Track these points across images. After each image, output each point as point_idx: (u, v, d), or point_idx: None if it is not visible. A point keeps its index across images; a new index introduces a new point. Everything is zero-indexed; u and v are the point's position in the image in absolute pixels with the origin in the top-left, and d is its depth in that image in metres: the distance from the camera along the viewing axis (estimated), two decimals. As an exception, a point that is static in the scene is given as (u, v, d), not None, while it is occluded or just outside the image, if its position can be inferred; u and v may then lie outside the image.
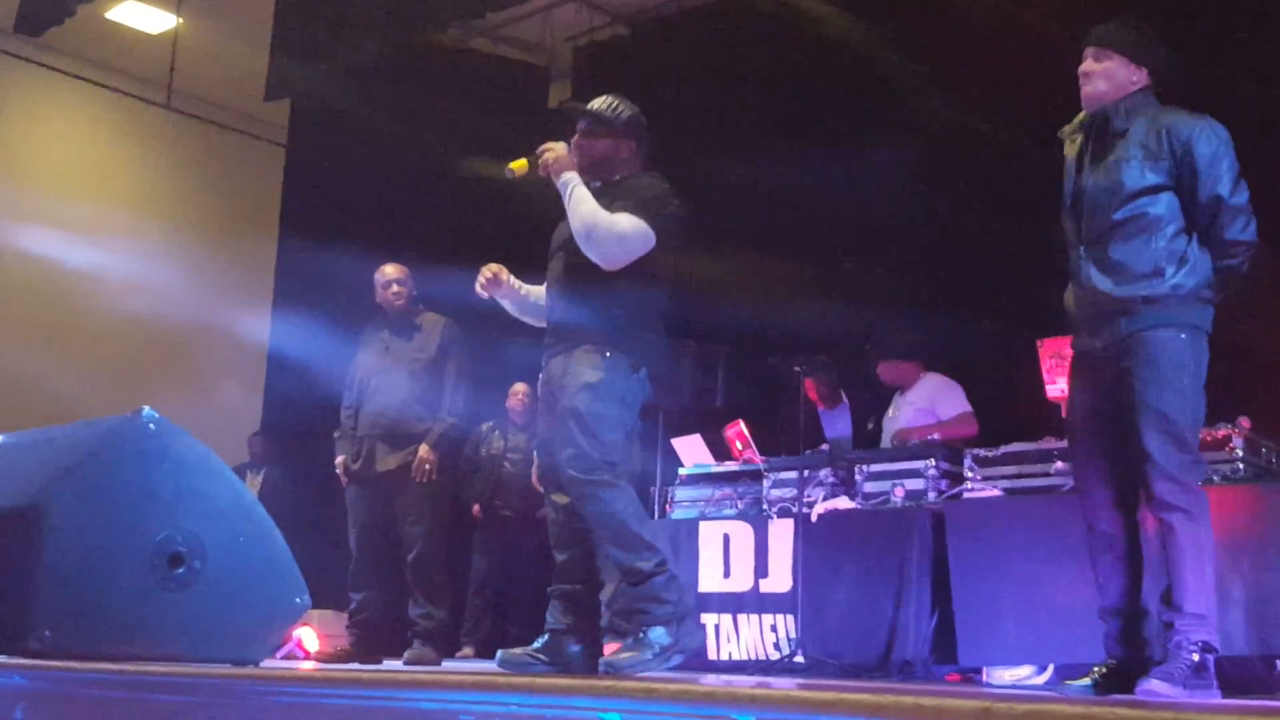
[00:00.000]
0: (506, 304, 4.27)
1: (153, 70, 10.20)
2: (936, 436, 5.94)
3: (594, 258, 3.91)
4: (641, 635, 3.72)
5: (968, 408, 6.17)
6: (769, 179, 7.59)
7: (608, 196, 3.99)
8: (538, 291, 4.23)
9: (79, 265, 9.48)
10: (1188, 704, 2.93)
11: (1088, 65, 3.72)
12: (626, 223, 3.89)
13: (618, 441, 3.89)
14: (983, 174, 6.87)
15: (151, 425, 3.85)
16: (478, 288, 4.19)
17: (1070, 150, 3.80)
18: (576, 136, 4.13)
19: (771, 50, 8.18)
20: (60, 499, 3.65)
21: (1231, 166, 3.56)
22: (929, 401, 6.24)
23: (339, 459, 6.01)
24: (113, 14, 9.88)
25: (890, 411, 6.44)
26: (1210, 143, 3.55)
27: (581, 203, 3.94)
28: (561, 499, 3.96)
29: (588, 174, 4.07)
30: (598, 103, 4.16)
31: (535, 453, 4.13)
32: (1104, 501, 3.66)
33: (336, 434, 6.09)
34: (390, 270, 6.10)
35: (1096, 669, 3.57)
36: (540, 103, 9.71)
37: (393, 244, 7.96)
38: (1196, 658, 3.38)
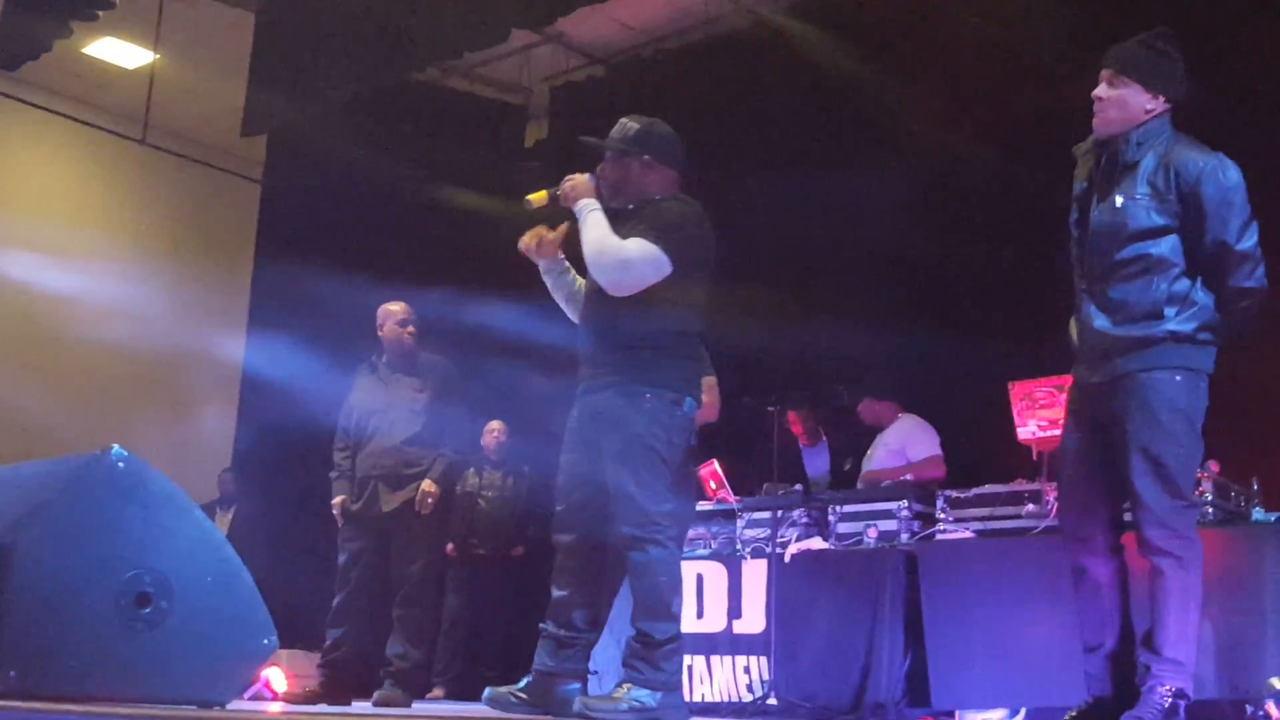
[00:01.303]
0: (548, 278, 4.15)
1: (129, 105, 10.17)
2: (909, 477, 5.96)
3: (601, 283, 3.85)
4: (626, 689, 3.70)
5: (937, 451, 6.21)
6: (743, 216, 7.61)
7: (632, 221, 3.89)
8: (580, 283, 4.11)
9: (53, 297, 9.43)
10: None
11: (1101, 90, 3.57)
12: (635, 248, 3.79)
13: (670, 485, 3.80)
14: (959, 212, 6.92)
15: (120, 463, 3.81)
16: (523, 244, 4.07)
17: (1080, 172, 3.69)
18: (600, 166, 4.04)
19: (746, 89, 8.25)
20: (26, 538, 3.60)
21: (1241, 210, 3.45)
22: (900, 443, 6.27)
23: (337, 499, 5.94)
24: (90, 49, 9.86)
25: (869, 453, 6.47)
26: (1218, 185, 3.42)
27: (593, 228, 3.86)
28: (566, 538, 3.91)
29: (617, 199, 3.97)
30: (615, 129, 4.06)
31: (558, 485, 4.00)
32: (1089, 537, 3.60)
33: (333, 474, 6.01)
34: (401, 308, 6.03)
35: (1071, 712, 3.56)
36: (517, 141, 9.76)
37: (368, 279, 7.94)
38: (1169, 703, 3.37)
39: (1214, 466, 4.73)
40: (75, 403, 9.16)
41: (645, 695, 3.69)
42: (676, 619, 3.78)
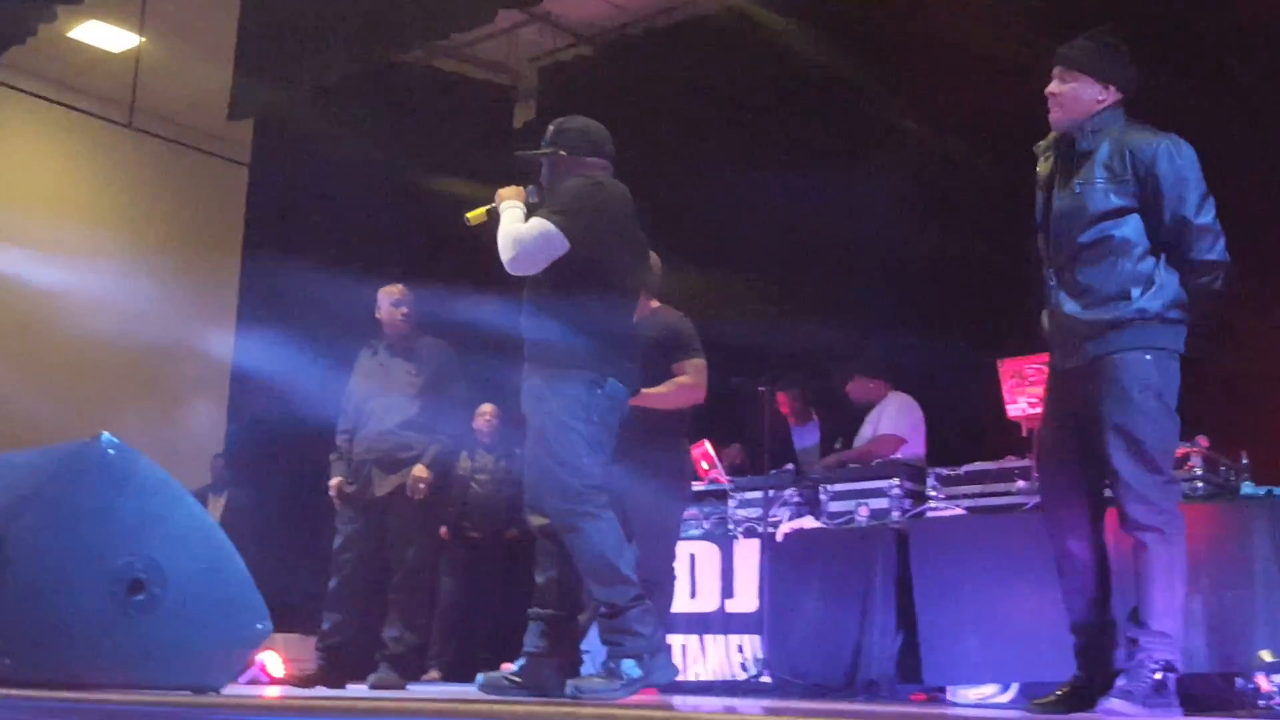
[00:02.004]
0: None
1: (115, 89, 10.14)
2: (901, 454, 5.98)
3: (505, 265, 3.94)
4: (613, 666, 3.72)
5: (896, 431, 6.20)
6: (733, 197, 7.62)
7: (544, 207, 4.01)
8: None
9: (40, 285, 9.39)
10: None
11: (1053, 86, 3.68)
12: (525, 226, 3.91)
13: (595, 463, 3.85)
14: (947, 195, 6.92)
15: (110, 450, 3.81)
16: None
17: (1042, 169, 3.77)
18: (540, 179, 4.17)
19: (735, 70, 8.22)
20: (18, 526, 3.60)
21: (1196, 185, 3.51)
22: (879, 419, 6.30)
23: (334, 480, 5.93)
24: (75, 33, 9.82)
25: (860, 431, 6.48)
26: (1173, 162, 3.50)
27: (506, 222, 3.98)
28: (539, 520, 3.94)
29: (547, 198, 4.08)
30: (548, 133, 4.18)
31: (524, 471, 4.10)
32: (1071, 520, 3.64)
33: (333, 455, 6.02)
34: (398, 290, 6.02)
35: (1061, 687, 3.59)
36: (505, 122, 9.73)
37: (357, 262, 7.93)
38: (1159, 676, 3.39)
39: (1203, 441, 4.76)
40: (62, 396, 9.10)
41: (631, 665, 3.71)
42: (630, 580, 3.79)
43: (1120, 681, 3.41)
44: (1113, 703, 3.34)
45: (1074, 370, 3.60)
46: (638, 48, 9.04)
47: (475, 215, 4.11)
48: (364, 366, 6.08)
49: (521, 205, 4.04)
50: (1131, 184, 3.52)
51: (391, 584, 5.82)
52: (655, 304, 4.86)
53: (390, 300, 6.00)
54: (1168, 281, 3.52)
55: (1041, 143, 3.80)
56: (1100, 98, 3.64)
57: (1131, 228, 3.53)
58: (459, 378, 6.08)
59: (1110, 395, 3.48)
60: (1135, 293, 3.50)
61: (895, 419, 6.24)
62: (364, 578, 5.85)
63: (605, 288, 3.96)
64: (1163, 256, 3.53)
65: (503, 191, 4.10)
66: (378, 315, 6.04)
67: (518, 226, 3.93)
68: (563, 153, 4.10)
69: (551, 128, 4.18)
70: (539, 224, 3.89)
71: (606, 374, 3.89)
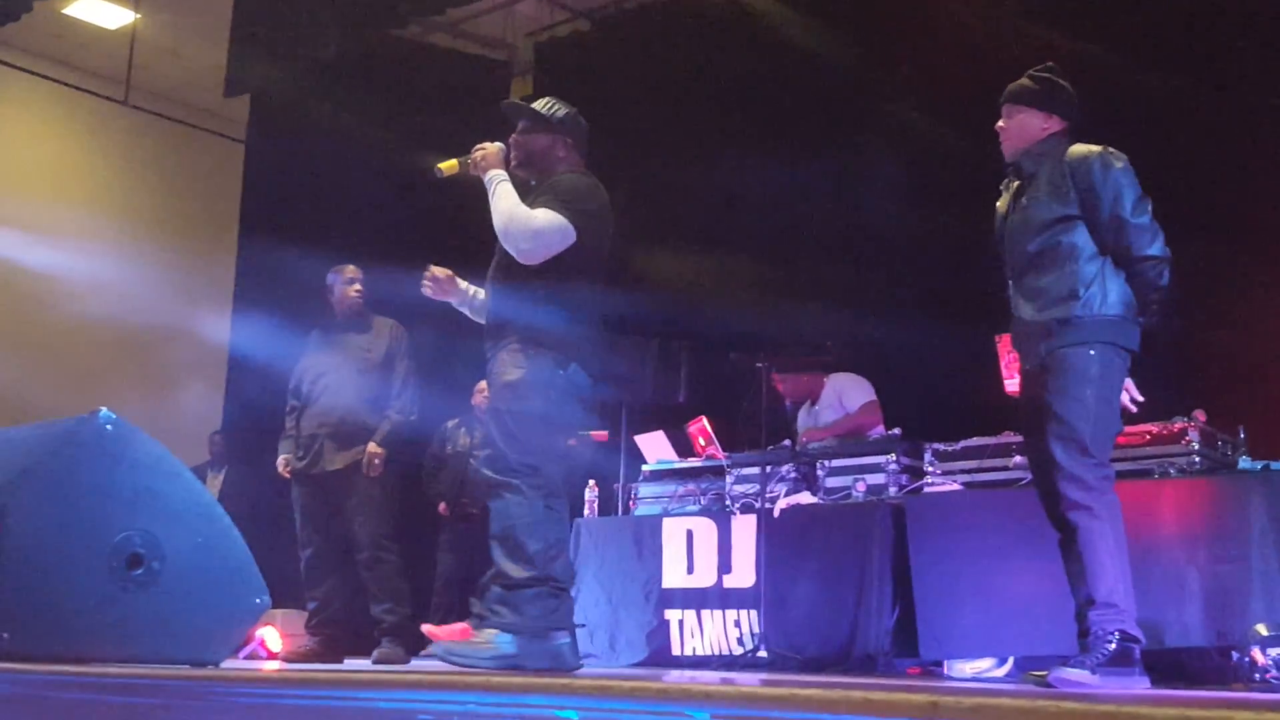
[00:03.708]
0: (459, 306, 4.34)
1: (111, 66, 10.10)
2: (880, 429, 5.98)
3: (511, 252, 3.98)
4: (488, 634, 3.77)
5: (872, 397, 6.25)
6: (729, 175, 7.60)
7: (534, 194, 4.05)
8: (481, 292, 4.29)
9: (36, 265, 9.37)
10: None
11: (1001, 123, 3.99)
12: (542, 217, 3.94)
13: (542, 442, 3.92)
14: (943, 173, 6.90)
15: (109, 426, 3.82)
16: (424, 290, 4.26)
17: (1001, 203, 4.05)
18: (515, 134, 4.20)
19: (734, 47, 8.18)
20: (17, 501, 3.62)
21: (1131, 187, 3.75)
22: (837, 398, 6.31)
23: (281, 458, 6.02)
24: (70, 9, 9.78)
25: (801, 418, 6.47)
26: (1106, 168, 3.75)
27: (502, 199, 4.01)
28: None
29: (525, 169, 4.14)
30: (538, 103, 4.23)
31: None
32: (1052, 506, 3.78)
33: (281, 437, 6.09)
34: (352, 270, 6.13)
35: (1059, 661, 3.61)
36: (501, 98, 9.67)
37: (353, 240, 7.92)
38: (1113, 646, 3.50)
39: (1200, 416, 4.77)
40: (58, 378, 9.10)
41: (506, 641, 3.75)
42: (533, 563, 3.83)
43: (1078, 655, 3.55)
44: (1065, 671, 3.46)
45: (1031, 370, 3.86)
46: (635, 23, 9.00)
47: (448, 166, 4.14)
48: (314, 346, 6.12)
49: (507, 177, 4.06)
50: (1071, 194, 3.78)
51: (360, 562, 5.84)
52: None
53: (344, 279, 6.08)
54: (1113, 282, 3.76)
55: (1006, 177, 4.06)
56: (1044, 125, 3.92)
57: (1078, 234, 3.78)
58: (412, 354, 6.12)
59: (1052, 386, 3.72)
60: (1082, 291, 3.74)
61: (858, 391, 6.28)
62: (333, 549, 5.88)
63: (589, 279, 4.07)
64: (1108, 259, 3.76)
65: (483, 148, 4.13)
66: (330, 297, 6.10)
67: (529, 214, 3.96)
68: (569, 140, 4.19)
69: (564, 110, 4.21)
70: (554, 217, 3.94)
71: (570, 358, 3.95)
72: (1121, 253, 3.75)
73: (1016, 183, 3.98)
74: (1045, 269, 3.79)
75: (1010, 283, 3.95)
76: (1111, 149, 3.81)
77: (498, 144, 4.15)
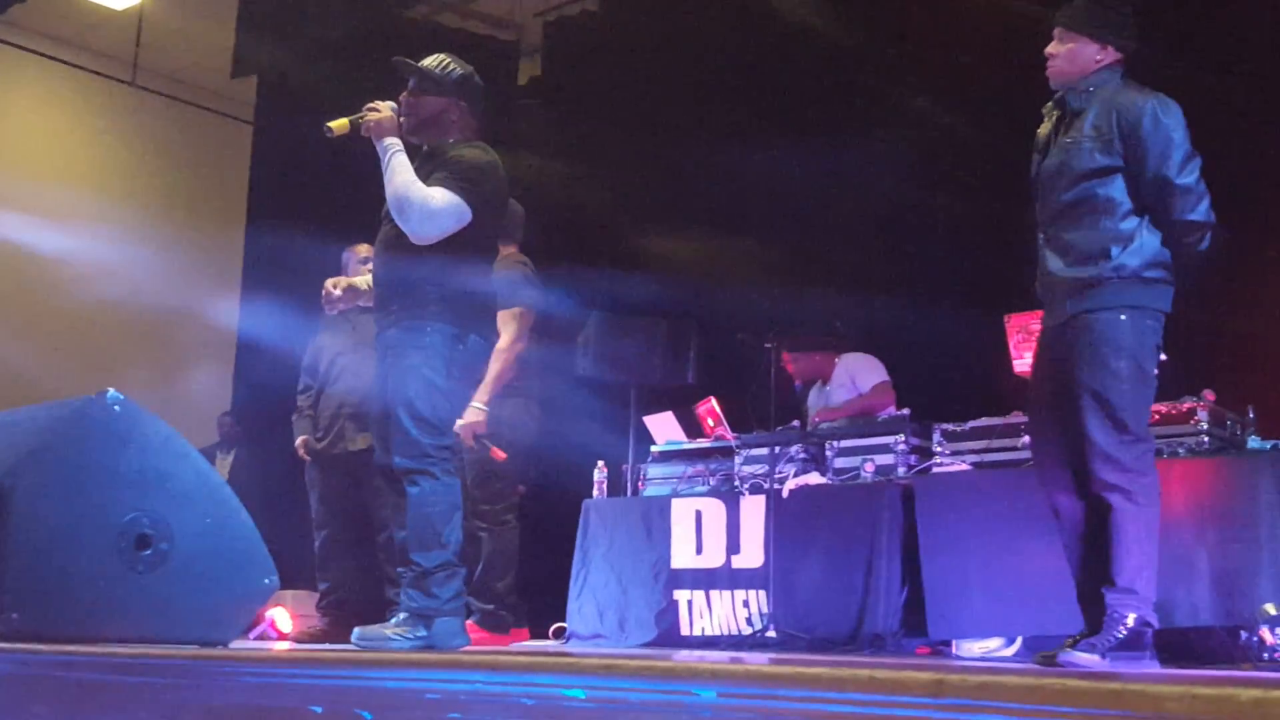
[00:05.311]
0: (365, 304, 4.37)
1: (118, 47, 10.09)
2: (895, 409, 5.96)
3: (404, 230, 3.91)
4: (399, 618, 3.79)
5: (886, 378, 6.22)
6: (738, 157, 7.57)
7: (431, 163, 3.98)
8: (369, 282, 4.29)
9: (44, 248, 9.37)
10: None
11: (1052, 47, 3.73)
12: (439, 199, 3.87)
13: (449, 418, 3.93)
14: (953, 155, 6.87)
15: (116, 406, 3.83)
16: (330, 311, 4.38)
17: (1042, 129, 3.80)
18: (405, 94, 4.09)
19: (744, 28, 8.14)
20: (25, 481, 3.63)
21: (1180, 145, 3.52)
22: (849, 378, 6.29)
23: (300, 438, 5.98)
24: (77, -10, 9.77)
25: (811, 398, 6.46)
26: (1158, 122, 3.52)
27: (398, 172, 3.93)
28: (386, 460, 3.94)
29: (417, 134, 4.05)
30: (429, 61, 4.11)
31: (369, 412, 4.20)
32: (1060, 480, 3.68)
33: (294, 417, 6.06)
34: (365, 248, 6.05)
35: (1067, 641, 3.60)
36: (510, 79, 9.65)
37: (361, 221, 7.88)
38: (1124, 632, 3.43)
39: (1209, 395, 4.74)
40: (67, 361, 9.11)
41: (419, 625, 3.77)
42: (447, 547, 3.83)
43: (1089, 636, 3.47)
44: (1073, 654, 3.40)
45: (1055, 328, 3.66)
46: (644, 3, 8.95)
47: (339, 125, 4.04)
48: (331, 326, 6.08)
49: (402, 147, 3.98)
50: (1117, 143, 3.55)
51: (379, 543, 5.84)
52: (506, 251, 4.99)
53: (357, 258, 6.02)
54: (1148, 241, 3.54)
55: (1050, 103, 3.82)
56: (1099, 57, 3.67)
57: (1116, 187, 3.56)
58: None
59: (1083, 357, 3.52)
60: (1114, 250, 3.53)
61: (871, 371, 6.26)
62: (350, 532, 5.87)
63: (480, 252, 4.02)
64: (1146, 217, 3.55)
65: (375, 108, 4.03)
66: (346, 275, 6.05)
67: (425, 194, 3.88)
68: (464, 104, 4.10)
69: (460, 71, 4.11)
70: (451, 199, 3.87)
71: (469, 330, 3.92)
72: (1162, 214, 3.54)
73: (1058, 111, 3.75)
74: (1078, 223, 3.58)
75: (1040, 232, 3.73)
76: (1166, 97, 3.57)
77: (389, 104, 4.05)
